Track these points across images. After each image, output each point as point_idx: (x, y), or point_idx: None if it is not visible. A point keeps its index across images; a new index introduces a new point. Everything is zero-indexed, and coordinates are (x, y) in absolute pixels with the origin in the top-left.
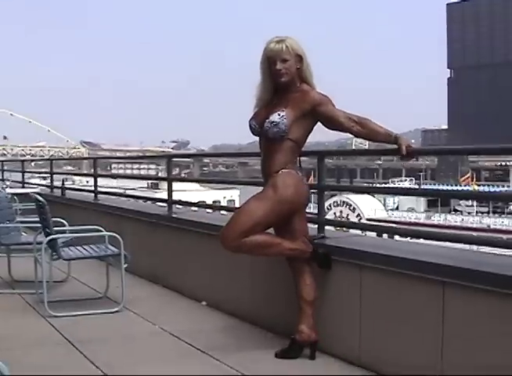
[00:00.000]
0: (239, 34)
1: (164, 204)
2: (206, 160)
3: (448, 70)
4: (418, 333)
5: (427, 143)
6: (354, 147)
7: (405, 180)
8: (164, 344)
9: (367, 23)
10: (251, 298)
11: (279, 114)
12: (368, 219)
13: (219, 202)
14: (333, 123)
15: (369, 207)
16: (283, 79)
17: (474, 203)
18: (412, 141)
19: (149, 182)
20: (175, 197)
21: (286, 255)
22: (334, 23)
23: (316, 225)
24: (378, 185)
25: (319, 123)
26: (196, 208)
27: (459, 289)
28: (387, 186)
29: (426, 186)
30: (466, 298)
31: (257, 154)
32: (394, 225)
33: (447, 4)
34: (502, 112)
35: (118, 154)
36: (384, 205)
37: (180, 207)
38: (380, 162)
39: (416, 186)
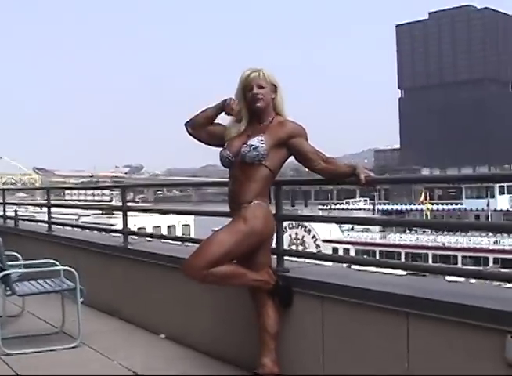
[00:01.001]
0: (188, 60)
1: (120, 235)
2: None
3: (399, 91)
4: (382, 365)
5: (380, 163)
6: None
7: (360, 201)
8: None
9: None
10: (212, 330)
11: (257, 139)
12: (324, 241)
13: (174, 227)
14: (302, 157)
15: (324, 228)
16: (259, 104)
17: None
18: (365, 161)
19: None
20: (130, 220)
21: (251, 286)
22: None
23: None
24: (334, 208)
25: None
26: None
27: (424, 320)
28: (349, 216)
29: (380, 207)
30: (431, 329)
31: (221, 184)
32: (351, 246)
33: (396, 25)
34: (452, 130)
35: (72, 180)
36: (340, 226)
37: (136, 237)
38: None
39: (371, 207)
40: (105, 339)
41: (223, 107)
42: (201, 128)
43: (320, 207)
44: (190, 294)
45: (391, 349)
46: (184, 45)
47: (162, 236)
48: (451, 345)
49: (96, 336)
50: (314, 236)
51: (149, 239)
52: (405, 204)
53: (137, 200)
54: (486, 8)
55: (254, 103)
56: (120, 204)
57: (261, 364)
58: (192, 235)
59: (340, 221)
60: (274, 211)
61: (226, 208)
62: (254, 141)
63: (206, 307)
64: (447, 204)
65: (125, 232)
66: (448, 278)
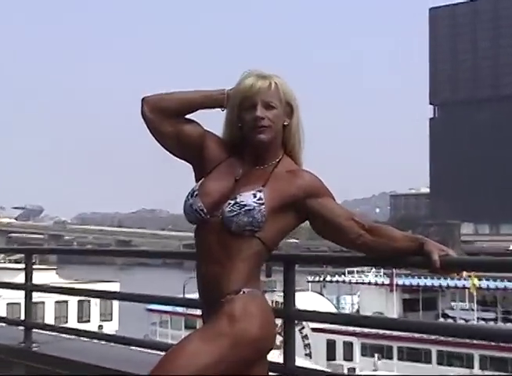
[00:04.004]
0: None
1: (19, 328)
2: (68, 236)
3: (431, 108)
4: None
5: (398, 214)
6: None
7: (370, 271)
8: None
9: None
10: None
11: (254, 195)
12: (312, 329)
13: (89, 303)
14: (330, 226)
15: (313, 307)
16: (263, 136)
17: (475, 305)
18: (377, 210)
19: None
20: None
21: None
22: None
23: None
24: (329, 280)
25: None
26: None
27: None
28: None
29: (401, 281)
30: None
31: (183, 255)
32: (355, 338)
33: (430, 8)
34: (508, 168)
35: None
36: (338, 306)
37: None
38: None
39: (386, 280)
40: None
41: (221, 99)
42: (168, 115)
43: (310, 278)
44: None
45: None
46: None
47: (89, 334)
48: None
49: None
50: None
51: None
52: (438, 278)
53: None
54: None
55: (256, 133)
56: (23, 281)
57: None
58: (116, 315)
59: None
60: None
61: (176, 281)
62: (247, 197)
63: None
64: (502, 279)
65: (28, 324)
66: None
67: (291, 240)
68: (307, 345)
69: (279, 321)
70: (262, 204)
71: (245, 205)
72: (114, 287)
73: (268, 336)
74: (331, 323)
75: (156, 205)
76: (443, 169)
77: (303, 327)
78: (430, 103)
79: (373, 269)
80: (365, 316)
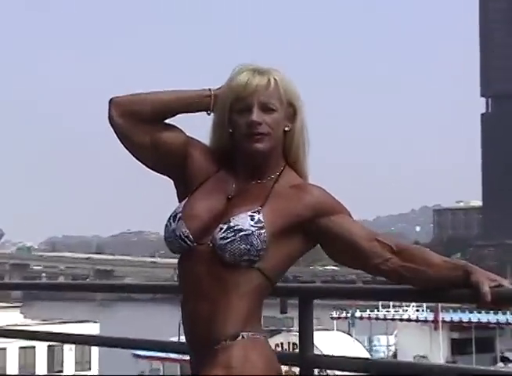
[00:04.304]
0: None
1: None
2: (35, 266)
3: (483, 101)
4: None
5: (444, 232)
6: None
7: (409, 305)
8: None
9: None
10: None
11: (251, 217)
12: None
13: (61, 348)
14: (347, 249)
15: (338, 351)
16: (260, 145)
17: None
18: (417, 229)
19: None
20: None
21: None
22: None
23: None
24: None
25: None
26: None
27: None
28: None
29: (448, 316)
30: None
31: (177, 289)
32: None
33: None
34: None
35: None
36: (370, 349)
37: None
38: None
39: (429, 316)
40: None
41: (207, 101)
42: (142, 120)
43: (334, 313)
44: None
45: None
46: None
47: None
48: None
49: None
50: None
51: None
52: (495, 312)
53: None
54: None
55: (252, 142)
56: None
57: None
58: (96, 363)
59: (377, 369)
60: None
61: (168, 319)
62: (243, 220)
63: None
64: None
65: None
66: None
67: (330, 267)
68: None
69: (296, 370)
70: (262, 227)
71: (241, 230)
72: (93, 328)
73: None
74: (362, 372)
75: (144, 226)
76: (499, 176)
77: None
78: (482, 95)
79: (412, 304)
80: (406, 362)
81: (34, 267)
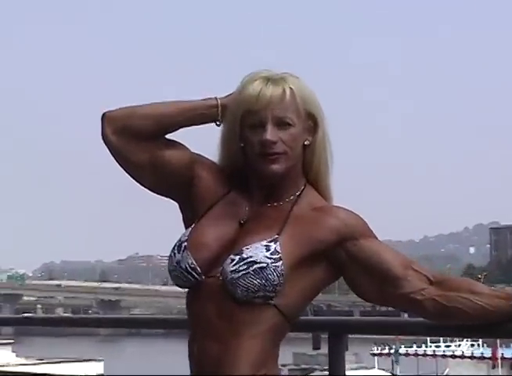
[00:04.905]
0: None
1: None
2: (29, 296)
3: None
4: None
5: (504, 254)
6: None
7: (463, 339)
8: None
9: None
10: None
11: (267, 247)
12: None
13: None
14: (375, 278)
15: None
16: (276, 166)
17: None
18: (471, 250)
19: None
20: None
21: None
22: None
23: None
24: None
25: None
26: None
27: None
28: None
29: (509, 353)
30: None
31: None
32: None
33: None
34: None
35: None
36: None
37: None
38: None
39: (486, 352)
40: None
41: (213, 112)
42: (140, 137)
43: (376, 349)
44: None
45: None
46: None
47: None
48: None
49: None
50: None
51: None
52: None
53: None
54: None
55: (267, 163)
56: None
57: None
58: None
59: None
60: None
61: (182, 357)
62: (257, 250)
63: None
64: None
65: None
66: None
67: None
68: None
69: None
70: (279, 259)
71: (254, 262)
72: (96, 367)
73: None
74: None
75: (154, 250)
76: None
77: None
78: None
79: (464, 340)
80: None
81: (27, 298)
